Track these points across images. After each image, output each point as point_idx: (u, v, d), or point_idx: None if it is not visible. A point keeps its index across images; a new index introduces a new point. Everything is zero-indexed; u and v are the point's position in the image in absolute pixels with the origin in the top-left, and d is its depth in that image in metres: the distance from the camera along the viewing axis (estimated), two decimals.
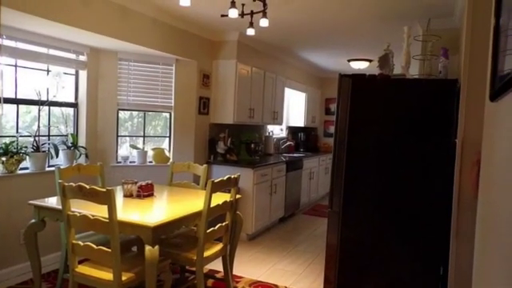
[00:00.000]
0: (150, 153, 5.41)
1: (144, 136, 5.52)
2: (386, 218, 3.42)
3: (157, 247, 2.80)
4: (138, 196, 3.60)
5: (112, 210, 2.67)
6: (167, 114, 5.63)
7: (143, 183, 3.66)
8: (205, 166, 4.32)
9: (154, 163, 5.39)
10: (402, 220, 3.38)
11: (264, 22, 3.68)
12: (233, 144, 6.16)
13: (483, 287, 1.61)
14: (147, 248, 2.78)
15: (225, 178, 3.29)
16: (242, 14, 3.77)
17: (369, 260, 3.49)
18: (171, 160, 5.44)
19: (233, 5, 3.37)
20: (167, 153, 5.54)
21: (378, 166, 3.42)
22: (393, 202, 3.39)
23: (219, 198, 3.39)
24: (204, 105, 5.79)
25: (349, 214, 3.48)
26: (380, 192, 3.42)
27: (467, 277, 2.68)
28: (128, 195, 3.61)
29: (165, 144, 5.70)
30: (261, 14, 3.67)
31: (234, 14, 3.43)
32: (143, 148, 5.43)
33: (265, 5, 3.59)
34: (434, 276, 3.31)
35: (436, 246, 3.29)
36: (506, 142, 1.31)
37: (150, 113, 5.57)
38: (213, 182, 3.10)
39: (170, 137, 5.66)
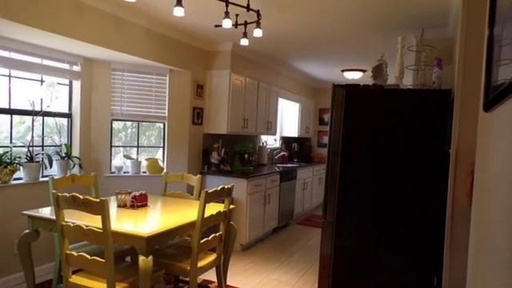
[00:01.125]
0: (144, 163, 5.40)
1: (138, 146, 5.50)
2: (380, 228, 3.43)
3: (150, 257, 2.79)
4: (132, 206, 3.58)
5: (106, 220, 2.66)
6: (161, 125, 5.62)
7: (137, 193, 3.65)
8: (198, 176, 4.32)
9: (147, 173, 5.37)
10: (397, 230, 3.38)
11: (258, 33, 3.70)
12: (226, 154, 6.16)
13: None
14: (141, 258, 2.76)
15: (218, 189, 3.28)
16: (235, 25, 3.79)
17: (363, 270, 3.48)
18: (165, 170, 5.43)
19: (227, 15, 3.38)
20: (161, 163, 5.53)
21: (372, 176, 3.43)
22: (387, 212, 3.40)
23: (213, 208, 3.38)
24: (198, 115, 5.79)
25: (343, 224, 3.48)
26: (374, 202, 3.43)
27: (461, 287, 2.68)
28: (122, 205, 3.59)
29: (158, 154, 5.68)
30: (254, 24, 3.69)
31: (227, 24, 3.44)
32: (137, 158, 5.41)
33: (258, 15, 3.60)
34: (428, 286, 3.31)
35: (430, 255, 3.29)
36: (500, 152, 1.32)
37: (144, 123, 5.56)
38: (206, 192, 3.09)
39: (163, 147, 5.65)
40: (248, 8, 3.41)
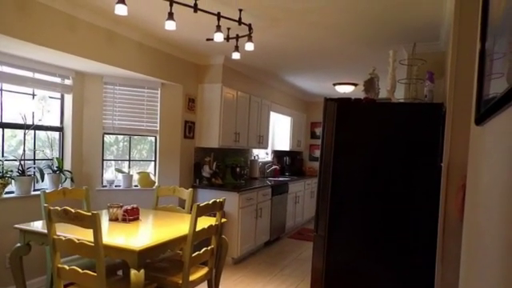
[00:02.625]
0: (136, 177, 5.38)
1: (129, 160, 5.49)
2: (372, 242, 3.43)
3: (142, 271, 2.77)
4: (124, 220, 3.56)
5: (97, 233, 2.64)
6: (152, 138, 5.61)
7: (129, 207, 3.63)
8: (190, 190, 4.31)
9: (139, 187, 5.34)
10: (388, 244, 3.38)
11: (249, 46, 3.73)
12: (218, 168, 6.15)
13: None
14: (133, 272, 2.74)
15: (210, 202, 3.28)
16: (227, 38, 3.82)
17: (355, 284, 3.47)
18: (157, 184, 5.41)
19: (218, 29, 3.41)
20: (152, 177, 5.51)
21: (364, 190, 3.44)
22: (379, 226, 3.40)
23: (205, 222, 3.38)
24: (189, 129, 5.79)
25: (334, 238, 3.48)
26: (366, 216, 3.43)
27: None
28: (113, 219, 3.57)
29: (150, 168, 5.67)
30: (246, 37, 3.72)
31: (219, 38, 3.47)
32: (129, 172, 5.39)
33: (250, 29, 3.64)
34: None
35: (422, 270, 3.30)
36: (491, 166, 1.33)
37: (136, 137, 5.55)
38: (198, 205, 3.09)
39: (155, 161, 5.63)
40: (240, 22, 3.45)
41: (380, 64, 4.46)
